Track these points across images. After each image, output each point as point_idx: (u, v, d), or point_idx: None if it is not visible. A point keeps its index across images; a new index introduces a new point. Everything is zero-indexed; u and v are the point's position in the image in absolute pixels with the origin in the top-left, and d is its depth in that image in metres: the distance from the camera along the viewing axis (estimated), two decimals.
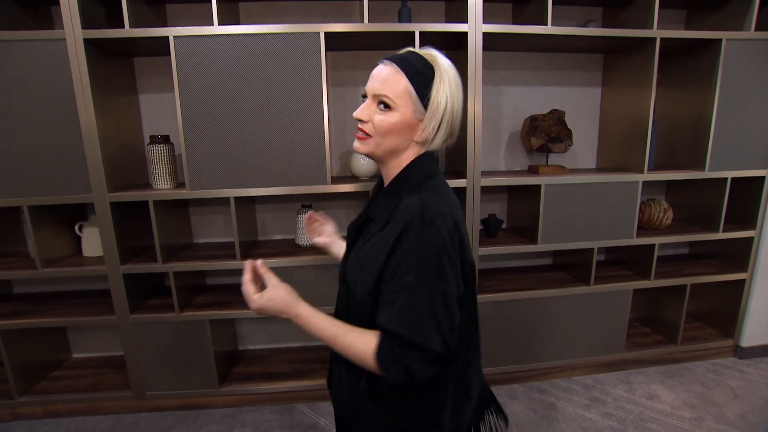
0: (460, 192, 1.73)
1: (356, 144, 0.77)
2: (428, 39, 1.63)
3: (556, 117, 1.89)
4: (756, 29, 1.85)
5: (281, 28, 1.51)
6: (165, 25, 1.76)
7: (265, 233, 2.01)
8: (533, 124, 1.89)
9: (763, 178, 1.93)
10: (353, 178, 1.83)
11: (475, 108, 1.64)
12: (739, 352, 2.10)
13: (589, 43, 1.86)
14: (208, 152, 1.57)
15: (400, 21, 1.72)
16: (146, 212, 1.86)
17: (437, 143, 0.76)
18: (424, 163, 0.76)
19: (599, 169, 2.07)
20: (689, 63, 1.92)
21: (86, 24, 1.48)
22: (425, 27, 1.57)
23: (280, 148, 1.59)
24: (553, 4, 1.64)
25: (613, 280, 1.95)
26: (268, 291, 0.77)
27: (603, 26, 2.01)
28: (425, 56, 0.73)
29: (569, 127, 1.95)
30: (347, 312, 0.79)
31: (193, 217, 1.97)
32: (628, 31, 1.69)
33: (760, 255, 1.99)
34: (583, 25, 1.89)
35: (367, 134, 0.74)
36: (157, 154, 1.65)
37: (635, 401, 1.80)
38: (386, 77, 0.71)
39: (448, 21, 1.89)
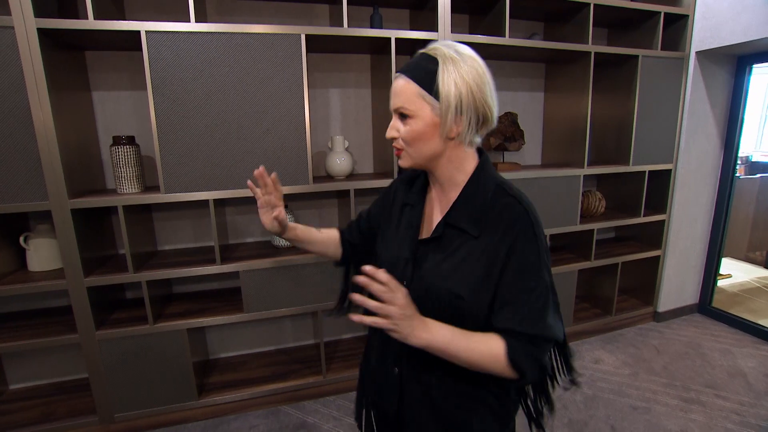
0: None
1: (399, 161, 0.77)
2: (401, 45, 1.73)
3: (511, 119, 2.10)
4: (662, 48, 2.23)
5: (262, 28, 1.50)
6: (123, 18, 1.65)
7: (237, 236, 1.96)
8: None
9: (670, 170, 2.33)
10: (329, 177, 1.86)
11: None
12: (657, 317, 2.51)
13: (534, 54, 2.09)
14: (183, 153, 1.51)
15: (372, 26, 1.79)
16: (105, 221, 1.73)
17: (472, 133, 0.72)
18: (487, 164, 0.77)
19: (544, 165, 2.34)
20: (615, 73, 2.25)
21: (38, 12, 1.34)
22: (400, 34, 1.66)
23: (261, 148, 1.58)
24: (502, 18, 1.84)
25: (561, 263, 2.21)
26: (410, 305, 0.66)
27: (545, 39, 2.27)
28: (429, 52, 0.71)
29: (521, 127, 2.17)
30: (425, 299, 0.72)
31: (157, 223, 1.85)
32: (570, 45, 1.95)
33: (670, 234, 2.40)
34: (529, 38, 2.13)
35: (399, 149, 0.75)
36: (122, 156, 1.54)
37: (585, 366, 2.08)
38: (398, 89, 0.72)
39: (412, 29, 1.99)
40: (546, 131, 2.39)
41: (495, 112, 0.73)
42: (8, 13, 1.31)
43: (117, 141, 1.55)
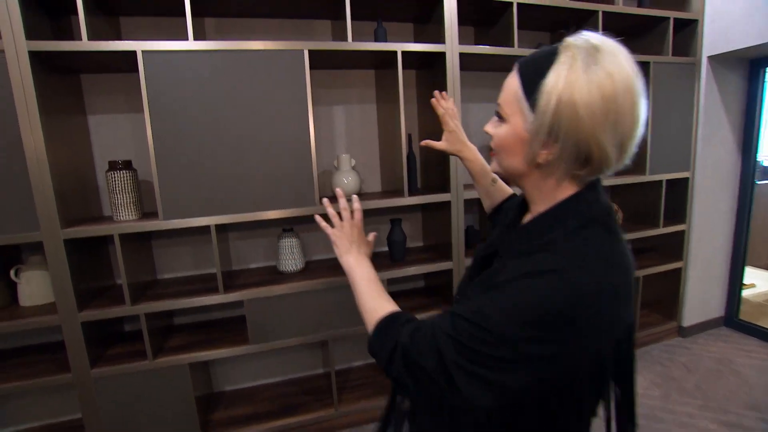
0: (444, 207, 1.77)
1: (491, 162, 0.67)
2: (408, 58, 1.67)
3: None
4: (673, 54, 2.17)
5: (263, 44, 1.44)
6: (119, 39, 1.59)
7: (240, 262, 1.86)
8: None
9: (687, 179, 2.24)
10: (336, 198, 1.77)
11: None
12: (683, 332, 2.38)
13: None
14: (182, 177, 1.43)
15: (376, 41, 1.73)
16: (102, 250, 1.64)
17: (569, 168, 0.54)
18: (586, 199, 0.56)
19: None
20: None
21: (29, 35, 1.28)
22: (406, 47, 1.60)
23: (264, 169, 1.50)
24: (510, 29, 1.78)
25: None
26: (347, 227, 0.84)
27: None
28: (559, 43, 0.54)
29: None
30: None
31: (157, 251, 1.76)
32: None
33: (691, 245, 2.30)
34: (536, 48, 2.08)
35: (491, 149, 0.65)
36: (118, 181, 1.46)
37: None
38: (505, 82, 0.60)
39: (416, 41, 1.94)
40: None
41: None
42: None
43: (113, 166, 1.47)
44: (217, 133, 1.44)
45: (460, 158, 1.05)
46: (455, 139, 1.05)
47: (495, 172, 0.67)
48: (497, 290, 0.53)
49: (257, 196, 1.50)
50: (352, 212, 0.85)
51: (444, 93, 1.10)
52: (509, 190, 1.02)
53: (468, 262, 1.81)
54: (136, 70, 1.36)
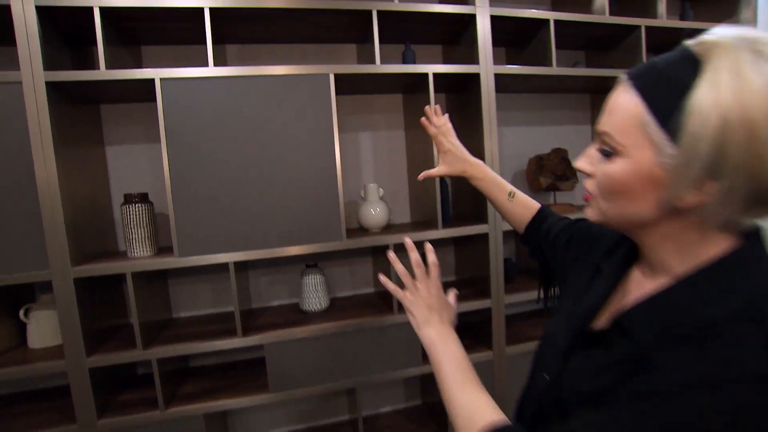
0: (481, 239, 1.62)
1: (586, 208, 0.54)
2: (439, 81, 1.56)
3: (561, 155, 1.88)
4: None
5: (286, 69, 1.36)
6: (141, 68, 1.54)
7: (261, 300, 1.74)
8: (540, 164, 1.86)
9: None
10: (362, 230, 1.65)
11: (492, 150, 1.57)
12: None
13: (579, 84, 1.91)
14: (200, 211, 1.33)
15: (405, 63, 1.64)
16: (115, 287, 1.55)
17: (728, 211, 0.40)
18: (745, 263, 0.42)
19: None
20: None
21: (48, 65, 1.23)
22: (438, 68, 1.50)
23: (287, 202, 1.39)
24: (545, 49, 1.67)
25: None
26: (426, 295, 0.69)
27: (588, 67, 2.09)
28: (692, 46, 0.42)
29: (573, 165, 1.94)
30: (544, 408, 0.55)
31: (173, 288, 1.66)
32: (623, 71, 1.75)
33: None
34: (572, 67, 1.95)
35: (589, 193, 0.51)
36: (133, 215, 1.38)
37: None
38: (613, 105, 0.47)
39: (445, 63, 1.84)
40: None
41: None
42: (16, 67, 1.20)
43: (128, 199, 1.39)
44: (236, 164, 1.34)
45: (467, 179, 0.96)
46: (454, 158, 0.96)
47: (595, 220, 0.52)
48: (659, 400, 0.37)
49: (279, 231, 1.39)
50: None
51: (437, 107, 1.02)
52: (533, 203, 0.91)
53: (508, 299, 1.64)
54: (155, 99, 1.29)
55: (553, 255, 0.81)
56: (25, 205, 1.24)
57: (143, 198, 1.41)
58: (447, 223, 1.62)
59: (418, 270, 0.70)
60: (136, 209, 1.38)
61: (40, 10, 1.21)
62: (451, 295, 0.75)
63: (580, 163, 0.51)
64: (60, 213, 1.24)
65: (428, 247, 0.72)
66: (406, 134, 1.83)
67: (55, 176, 1.22)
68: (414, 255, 0.71)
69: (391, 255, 0.78)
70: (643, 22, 1.77)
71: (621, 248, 0.58)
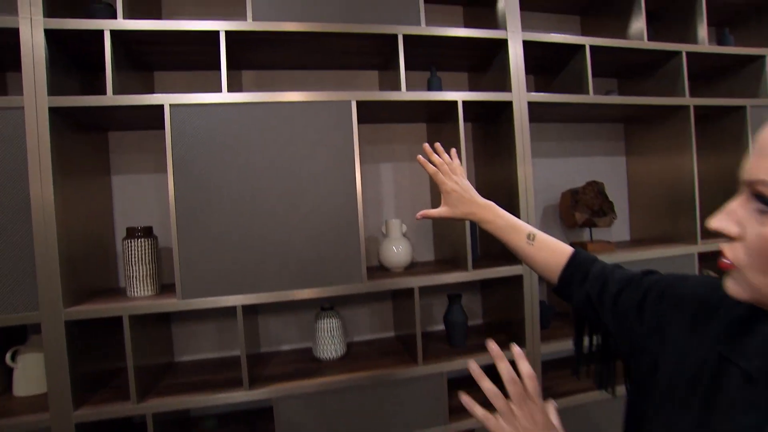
0: (515, 281, 1.46)
1: (727, 282, 0.41)
2: (466, 110, 1.45)
3: (597, 189, 1.74)
4: None
5: (305, 95, 1.26)
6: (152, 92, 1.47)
7: (270, 343, 1.59)
8: (574, 198, 1.72)
9: None
10: (383, 269, 1.51)
11: (526, 183, 1.44)
12: None
13: (614, 113, 1.79)
14: (207, 248, 1.21)
15: (430, 90, 1.54)
16: (112, 328, 1.41)
17: None
18: None
19: (635, 241, 1.92)
20: (714, 128, 1.89)
21: (54, 90, 1.16)
22: (468, 96, 1.39)
23: (303, 239, 1.26)
24: (579, 77, 1.56)
25: None
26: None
27: (621, 95, 1.98)
28: None
29: (609, 199, 1.79)
30: None
31: (176, 329, 1.52)
32: (667, 99, 1.63)
33: None
34: (605, 95, 1.84)
35: (729, 262, 0.40)
36: (135, 251, 1.26)
37: None
38: (765, 143, 0.36)
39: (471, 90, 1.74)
40: (633, 200, 2.00)
41: None
42: (19, 92, 1.12)
43: (131, 233, 1.28)
44: (248, 197, 1.23)
45: (476, 222, 0.85)
46: (459, 200, 0.85)
47: (741, 298, 0.38)
48: None
49: (294, 271, 1.25)
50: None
51: (437, 145, 0.92)
52: (562, 246, 0.76)
53: (545, 348, 1.46)
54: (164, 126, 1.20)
55: (614, 318, 0.64)
56: (18, 238, 1.13)
57: (147, 232, 1.30)
58: (475, 263, 1.47)
59: (514, 388, 0.56)
60: (139, 244, 1.27)
61: (49, 33, 1.14)
62: (551, 410, 0.59)
63: (719, 223, 0.39)
64: (54, 248, 1.12)
65: (518, 352, 0.59)
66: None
67: (51, 207, 1.12)
68: (506, 367, 0.57)
69: (493, 347, 0.61)
70: (684, 48, 1.66)
71: (756, 334, 0.43)
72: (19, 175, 1.12)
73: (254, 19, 1.25)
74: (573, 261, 0.73)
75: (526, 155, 1.44)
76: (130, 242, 1.26)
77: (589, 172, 1.95)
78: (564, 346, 1.49)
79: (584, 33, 1.93)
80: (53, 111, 1.14)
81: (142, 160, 1.48)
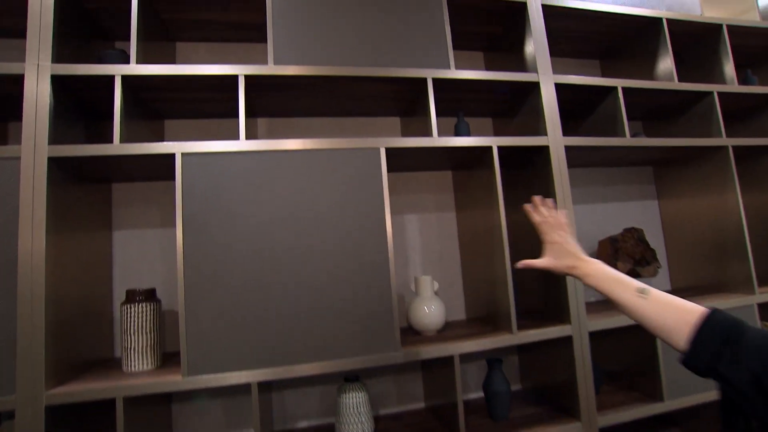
0: (564, 342, 1.29)
1: None
2: (504, 154, 1.36)
3: (637, 236, 1.61)
4: None
5: (330, 143, 1.16)
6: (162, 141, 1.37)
7: (285, 419, 1.37)
8: (614, 247, 1.59)
9: None
10: (413, 332, 1.34)
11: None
12: None
13: (644, 156, 1.70)
14: (218, 315, 1.05)
15: (457, 136, 1.45)
16: (103, 408, 1.22)
17: None
18: None
19: (679, 291, 1.76)
20: (751, 168, 1.80)
21: (56, 139, 1.05)
22: (503, 141, 1.29)
23: (326, 302, 1.10)
24: (610, 119, 1.49)
25: None
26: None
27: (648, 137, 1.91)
28: None
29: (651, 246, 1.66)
30: None
31: (177, 406, 1.32)
32: (705, 140, 1.54)
33: None
34: (633, 137, 1.76)
35: None
36: (135, 318, 1.10)
37: None
38: None
39: (497, 136, 1.66)
40: (670, 246, 1.87)
41: None
42: (17, 141, 1.02)
43: (131, 297, 1.12)
44: (267, 255, 1.08)
45: (577, 277, 0.82)
46: (563, 252, 0.85)
47: None
48: None
49: (318, 340, 1.08)
50: None
51: (540, 198, 0.95)
52: (689, 305, 0.64)
53: (603, 420, 1.26)
54: (174, 177, 1.08)
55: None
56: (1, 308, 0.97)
57: (149, 295, 1.15)
58: (525, 325, 1.30)
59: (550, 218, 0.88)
60: (139, 310, 1.11)
61: (55, 80, 1.05)
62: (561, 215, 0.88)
63: None
64: (41, 315, 0.96)
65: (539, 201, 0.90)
66: (457, 216, 1.59)
67: (41, 268, 0.97)
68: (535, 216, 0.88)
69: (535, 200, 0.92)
70: (715, 88, 1.60)
71: None
72: (7, 232, 0.99)
73: (276, 63, 1.17)
74: (711, 323, 0.59)
75: (567, 201, 1.33)
76: (130, 307, 1.10)
77: (621, 217, 1.83)
78: (622, 416, 1.30)
79: (605, 77, 1.89)
80: (53, 161, 1.03)
81: (146, 213, 1.36)
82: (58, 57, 1.07)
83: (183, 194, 1.06)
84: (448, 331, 1.34)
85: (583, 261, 0.81)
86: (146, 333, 1.11)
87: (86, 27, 1.26)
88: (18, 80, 1.04)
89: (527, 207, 0.94)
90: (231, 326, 1.04)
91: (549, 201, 0.94)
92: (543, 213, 0.91)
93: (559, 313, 1.32)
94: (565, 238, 0.86)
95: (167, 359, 1.19)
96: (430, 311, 1.27)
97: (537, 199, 0.94)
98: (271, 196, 1.10)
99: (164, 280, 1.32)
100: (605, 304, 1.59)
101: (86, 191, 1.20)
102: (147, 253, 1.34)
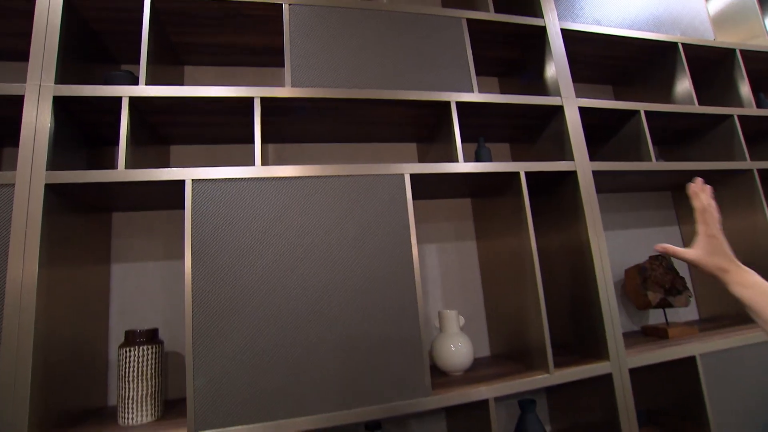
0: (602, 381, 1.19)
1: None
2: (531, 180, 1.29)
3: (664, 265, 1.54)
4: None
5: (350, 169, 1.08)
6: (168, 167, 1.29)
7: None
8: (643, 275, 1.51)
9: None
10: (439, 373, 1.23)
11: (602, 259, 1.23)
12: None
13: (664, 181, 1.65)
14: (229, 360, 0.94)
15: (478, 161, 1.39)
16: None
17: None
18: None
19: (709, 321, 1.67)
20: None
21: (55, 165, 0.97)
22: (530, 167, 1.23)
23: (351, 345, 1.00)
24: (633, 143, 1.45)
25: None
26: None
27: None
28: None
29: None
30: None
31: None
32: (729, 163, 1.50)
33: None
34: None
35: None
36: (134, 362, 0.99)
37: None
38: None
39: (515, 161, 1.61)
40: (696, 273, 1.80)
41: None
42: (12, 167, 0.93)
43: (130, 339, 1.01)
44: (283, 292, 0.99)
45: (724, 283, 0.74)
46: (716, 249, 0.75)
47: None
48: None
49: (339, 386, 0.97)
50: None
51: (702, 183, 0.81)
52: None
53: None
54: (182, 205, 1.00)
55: None
56: None
57: (151, 336, 1.03)
58: (564, 362, 1.20)
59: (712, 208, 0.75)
60: (139, 354, 0.99)
61: (58, 101, 0.98)
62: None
63: None
64: (28, 359, 0.85)
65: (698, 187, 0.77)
66: (478, 245, 1.50)
67: (32, 306, 0.86)
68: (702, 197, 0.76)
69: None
70: (735, 111, 1.57)
71: None
72: None
73: (293, 85, 1.11)
74: None
75: (597, 228, 1.25)
76: (128, 351, 0.99)
77: (644, 244, 1.77)
78: None
79: (617, 98, 1.86)
80: (51, 188, 0.94)
81: (150, 245, 1.26)
82: (61, 78, 1.00)
83: (193, 224, 0.97)
84: (476, 370, 1.23)
85: (738, 266, 0.74)
86: (147, 380, 0.99)
87: (92, 49, 1.20)
88: (19, 102, 0.96)
89: (692, 187, 0.80)
90: (244, 372, 0.93)
91: (708, 187, 0.81)
92: (705, 200, 0.79)
93: (595, 348, 1.23)
94: (722, 235, 0.77)
95: (169, 408, 1.06)
96: (457, 349, 1.17)
97: (699, 181, 0.82)
98: (287, 227, 1.02)
99: (167, 318, 1.21)
100: (639, 335, 1.50)
101: (84, 220, 1.11)
102: (148, 288, 1.23)
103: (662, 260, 1.55)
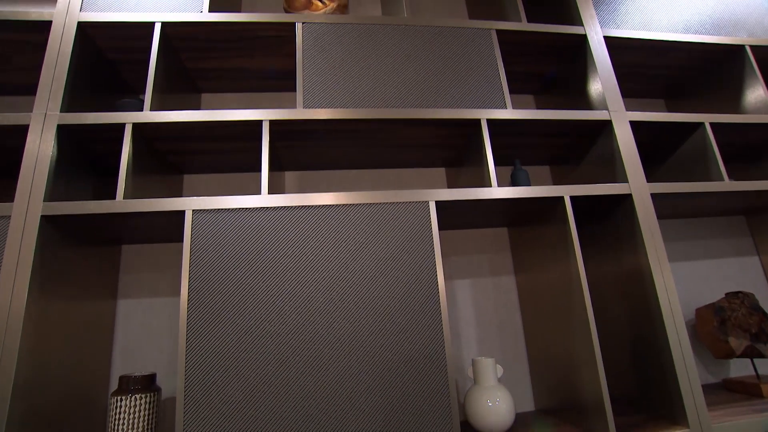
0: None
1: None
2: (577, 206, 1.12)
3: (748, 303, 1.28)
4: None
5: (369, 196, 0.97)
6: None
7: None
8: (720, 317, 1.26)
9: None
10: (469, 429, 1.04)
11: (668, 296, 1.02)
12: None
13: (733, 204, 1.41)
14: (227, 415, 0.81)
15: (514, 185, 1.24)
16: None
17: None
18: None
19: None
20: None
21: (55, 195, 0.91)
22: (576, 190, 1.06)
23: (368, 404, 0.85)
24: (697, 161, 1.24)
25: None
26: None
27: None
28: None
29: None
30: None
31: None
32: None
33: None
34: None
35: None
36: (125, 412, 0.88)
37: None
38: None
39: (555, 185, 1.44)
40: None
41: None
42: (10, 198, 0.89)
43: (123, 387, 0.91)
44: (291, 340, 0.86)
45: None
46: None
47: None
48: None
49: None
50: None
51: None
52: None
53: None
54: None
55: None
56: None
57: (147, 384, 0.93)
58: (637, 425, 0.98)
59: None
60: (131, 404, 0.89)
61: (62, 130, 0.94)
62: None
63: None
64: (4, 407, 0.76)
65: None
66: (517, 280, 1.32)
67: (15, 348, 0.78)
68: None
69: None
70: None
71: None
72: None
73: (305, 106, 1.03)
74: None
75: (662, 260, 1.05)
76: (121, 400, 0.89)
77: (716, 278, 1.51)
78: None
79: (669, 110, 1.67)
80: (47, 220, 0.88)
81: (159, 280, 1.18)
82: (70, 108, 0.97)
83: (191, 259, 0.87)
84: (518, 430, 1.03)
85: None
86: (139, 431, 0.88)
87: (109, 79, 1.18)
88: (25, 132, 0.93)
89: None
90: (243, 425, 0.80)
91: None
92: None
93: (666, 406, 1.00)
94: None
95: None
96: (494, 405, 0.98)
97: None
98: (297, 263, 0.90)
99: (172, 359, 1.11)
100: (720, 389, 1.23)
101: (89, 253, 1.05)
102: (153, 326, 1.14)
103: (743, 297, 1.30)
